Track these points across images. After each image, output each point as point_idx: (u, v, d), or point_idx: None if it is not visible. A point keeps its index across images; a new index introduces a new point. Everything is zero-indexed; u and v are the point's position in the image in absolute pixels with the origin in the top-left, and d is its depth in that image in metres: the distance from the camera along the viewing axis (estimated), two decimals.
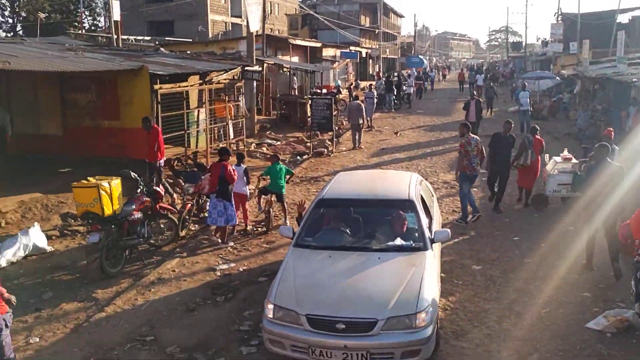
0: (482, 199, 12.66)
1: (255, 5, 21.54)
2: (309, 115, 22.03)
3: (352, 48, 49.13)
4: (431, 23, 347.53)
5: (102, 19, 39.72)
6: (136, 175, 9.56)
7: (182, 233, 10.29)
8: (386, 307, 5.65)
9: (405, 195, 7.36)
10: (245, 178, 10.61)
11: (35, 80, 13.86)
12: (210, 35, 40.30)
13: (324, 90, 30.19)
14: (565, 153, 12.54)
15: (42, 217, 10.90)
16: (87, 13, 41.20)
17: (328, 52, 41.72)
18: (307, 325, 5.66)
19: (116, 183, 8.62)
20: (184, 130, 14.37)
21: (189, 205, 10.66)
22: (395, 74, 46.10)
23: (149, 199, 9.46)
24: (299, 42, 35.51)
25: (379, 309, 5.64)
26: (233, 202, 9.95)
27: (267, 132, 21.48)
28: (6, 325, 5.39)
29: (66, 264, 9.11)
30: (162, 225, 9.98)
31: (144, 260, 9.23)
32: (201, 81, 15.73)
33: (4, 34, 31.76)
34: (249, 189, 11.14)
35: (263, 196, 11.22)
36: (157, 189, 9.94)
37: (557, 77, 33.86)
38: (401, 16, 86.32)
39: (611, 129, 13.00)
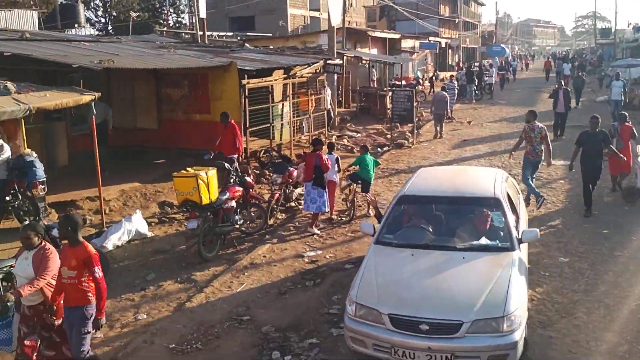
0: (568, 191, 12.35)
1: None
2: (388, 107, 22.17)
3: (431, 38, 48.35)
4: (513, 10, 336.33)
5: (185, 16, 41.29)
6: (229, 167, 10.14)
7: (271, 221, 10.79)
8: (472, 309, 5.47)
9: (490, 192, 7.07)
10: (337, 166, 11.01)
11: (133, 76, 14.75)
12: (289, 30, 40.95)
13: (403, 82, 30.11)
14: None
15: (142, 205, 11.71)
16: (171, 11, 42.91)
17: (407, 44, 41.32)
18: (390, 324, 5.56)
19: (212, 173, 9.15)
20: (269, 123, 14.90)
21: (277, 194, 11.12)
22: (476, 63, 45.03)
23: (241, 188, 10.04)
24: (377, 34, 35.40)
25: (465, 311, 5.47)
26: (327, 191, 10.40)
27: (348, 124, 21.75)
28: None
29: (166, 248, 9.80)
30: (252, 214, 10.56)
31: (236, 246, 9.80)
32: (285, 75, 16.18)
33: (96, 33, 33.68)
34: (338, 176, 11.53)
35: (349, 187, 11.53)
36: (248, 179, 10.49)
37: None
38: (482, 4, 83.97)
39: None
